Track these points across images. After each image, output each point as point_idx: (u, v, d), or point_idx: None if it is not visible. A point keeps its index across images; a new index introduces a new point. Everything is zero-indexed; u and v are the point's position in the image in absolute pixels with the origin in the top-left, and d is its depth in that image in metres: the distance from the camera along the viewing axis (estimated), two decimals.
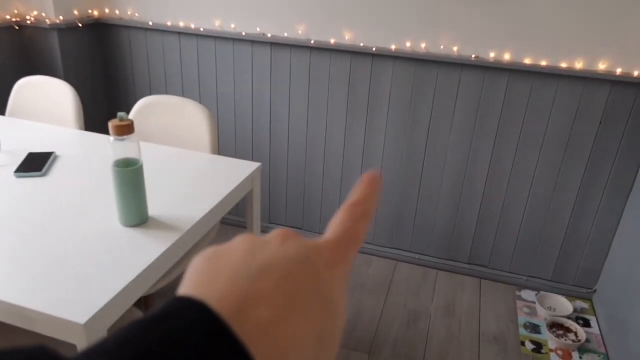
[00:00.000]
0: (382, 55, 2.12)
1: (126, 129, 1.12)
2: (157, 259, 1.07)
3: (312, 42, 2.17)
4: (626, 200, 2.05)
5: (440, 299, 2.21)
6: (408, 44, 2.08)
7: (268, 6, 2.20)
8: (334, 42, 2.16)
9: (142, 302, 1.51)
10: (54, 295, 0.93)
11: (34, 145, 1.59)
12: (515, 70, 1.99)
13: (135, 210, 1.17)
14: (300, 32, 2.20)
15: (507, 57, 1.99)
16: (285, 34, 2.22)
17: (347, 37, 2.14)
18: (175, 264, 1.51)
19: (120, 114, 1.12)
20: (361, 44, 2.13)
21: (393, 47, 2.09)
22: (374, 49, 2.10)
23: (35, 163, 1.45)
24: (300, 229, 2.58)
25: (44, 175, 1.40)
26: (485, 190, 2.22)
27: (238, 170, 1.50)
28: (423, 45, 2.06)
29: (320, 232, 2.39)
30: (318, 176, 2.45)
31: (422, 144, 2.23)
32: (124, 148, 1.15)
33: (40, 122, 1.84)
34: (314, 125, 2.35)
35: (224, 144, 2.54)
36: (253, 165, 1.53)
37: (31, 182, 1.36)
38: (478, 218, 2.28)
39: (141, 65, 2.52)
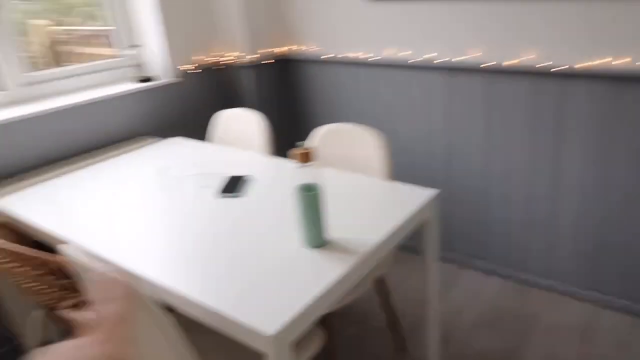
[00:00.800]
0: (572, 75, 1.94)
1: (307, 157, 1.21)
2: (338, 280, 1.12)
3: (489, 64, 2.09)
4: None
5: None
6: (609, 59, 1.85)
7: (443, 31, 2.18)
8: (513, 64, 2.05)
9: (321, 322, 1.59)
10: (246, 304, 1.04)
11: (235, 169, 1.81)
12: None
13: (316, 233, 1.26)
14: (476, 54, 2.14)
15: None
16: (461, 58, 2.18)
17: (528, 57, 2.02)
18: (351, 286, 1.57)
19: (301, 143, 1.22)
20: (545, 64, 1.98)
21: (587, 64, 1.89)
22: (561, 67, 1.93)
23: (235, 185, 1.65)
24: (484, 259, 2.45)
25: (241, 195, 1.59)
26: None
27: (414, 197, 1.50)
28: (629, 59, 1.82)
29: (504, 264, 2.19)
30: (500, 205, 2.31)
31: (628, 172, 1.95)
32: (306, 174, 1.24)
33: (237, 148, 2.10)
34: (494, 152, 2.24)
35: (400, 171, 2.57)
36: (430, 192, 1.52)
37: (231, 202, 1.55)
38: None
39: (323, 96, 2.71)
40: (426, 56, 2.27)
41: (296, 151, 1.21)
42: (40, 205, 1.61)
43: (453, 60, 2.19)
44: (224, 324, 1.03)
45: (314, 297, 1.06)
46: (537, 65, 1.98)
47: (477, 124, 2.24)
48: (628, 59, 1.82)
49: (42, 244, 1.48)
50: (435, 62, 2.23)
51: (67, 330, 1.49)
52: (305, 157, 1.21)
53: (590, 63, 1.89)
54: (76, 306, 1.43)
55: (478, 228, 2.42)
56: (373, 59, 2.42)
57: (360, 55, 2.47)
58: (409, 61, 2.30)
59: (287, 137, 2.85)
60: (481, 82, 2.16)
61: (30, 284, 1.37)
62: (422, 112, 2.38)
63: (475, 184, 2.34)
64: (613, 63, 1.85)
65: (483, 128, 2.23)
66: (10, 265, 1.33)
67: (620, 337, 1.99)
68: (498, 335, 2.03)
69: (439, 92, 2.29)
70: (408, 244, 2.68)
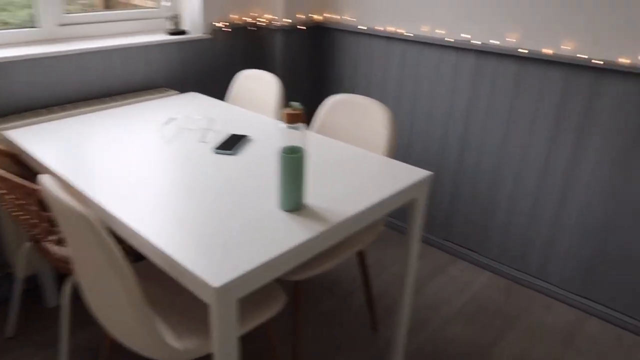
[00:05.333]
0: (609, 70, 1.80)
1: (296, 118, 1.18)
2: (299, 245, 1.10)
3: (523, 51, 1.97)
4: None
5: None
6: None
7: (479, 11, 2.07)
8: (549, 53, 1.92)
9: (293, 286, 1.58)
10: (202, 255, 1.04)
11: (238, 129, 1.81)
12: None
13: (293, 197, 1.23)
14: (510, 40, 2.02)
15: None
16: (494, 42, 2.06)
17: (566, 47, 1.89)
18: (325, 255, 1.55)
19: (294, 103, 1.19)
20: (582, 56, 1.84)
21: (625, 60, 1.76)
22: (598, 62, 1.80)
23: (232, 143, 1.65)
24: (480, 252, 2.39)
25: (235, 154, 1.58)
26: None
27: (406, 176, 1.45)
28: None
29: (499, 260, 2.14)
30: (507, 199, 2.22)
31: None
32: (293, 136, 1.21)
33: (248, 110, 2.09)
34: (511, 144, 2.13)
35: (411, 150, 2.50)
36: (422, 173, 1.47)
37: (223, 159, 1.54)
38: None
39: (349, 67, 2.65)
40: (460, 36, 2.17)
41: (286, 111, 1.18)
42: (47, 140, 1.66)
43: (487, 42, 2.09)
44: (176, 271, 1.04)
45: (270, 257, 1.04)
46: (581, 56, 1.85)
47: (500, 111, 2.13)
48: None
49: None
50: (469, 43, 2.13)
51: (51, 264, 1.55)
52: (294, 118, 1.18)
53: (628, 60, 1.75)
54: (60, 241, 1.49)
55: (480, 220, 2.33)
56: (406, 34, 2.33)
57: (394, 29, 2.39)
58: (443, 40, 2.20)
59: (307, 104, 2.82)
60: (512, 68, 2.05)
61: (18, 213, 1.42)
62: (446, 93, 2.29)
63: (486, 174, 2.25)
64: None
65: (505, 116, 2.12)
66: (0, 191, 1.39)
67: (602, 348, 1.90)
68: (474, 329, 1.97)
69: (467, 74, 2.19)
70: (400, 224, 2.62)
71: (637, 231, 1.89)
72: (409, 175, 1.46)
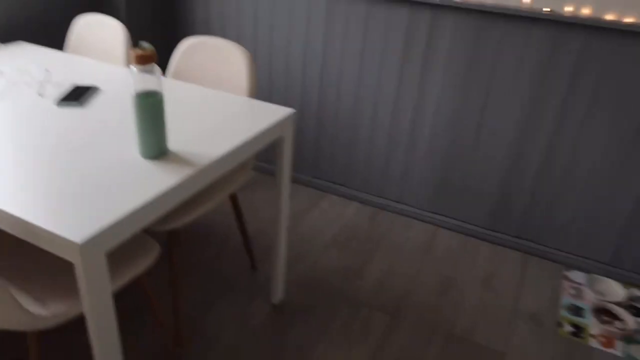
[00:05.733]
0: (443, 6, 1.97)
1: (147, 59, 1.11)
2: (165, 191, 1.07)
3: None
4: None
5: (478, 270, 2.10)
6: None
7: None
8: None
9: (167, 236, 1.55)
10: (59, 214, 0.96)
11: (82, 79, 1.65)
12: (594, 27, 1.77)
13: (153, 142, 1.18)
14: None
15: (585, 11, 1.77)
16: None
17: None
18: (196, 202, 1.54)
19: (143, 43, 1.11)
20: None
21: None
22: None
23: (77, 95, 1.50)
24: (346, 185, 2.54)
25: (82, 106, 1.45)
26: (545, 160, 2.04)
27: (269, 115, 1.47)
28: None
29: (364, 190, 2.29)
30: (366, 132, 2.37)
31: (479, 103, 2.07)
32: (146, 79, 1.14)
33: (93, 59, 1.91)
34: (366, 81, 2.25)
35: (273, 92, 2.52)
36: (285, 111, 1.50)
37: (70, 112, 1.41)
38: (533, 189, 2.12)
39: (201, 8, 2.52)
40: None
41: (135, 53, 1.10)
42: None
43: None
44: (31, 234, 0.95)
45: (135, 207, 1.00)
46: None
47: (354, 50, 2.22)
48: None
49: None
50: None
51: None
52: (145, 60, 1.11)
53: None
54: None
55: (344, 155, 2.48)
56: None
57: None
58: None
59: (159, 51, 2.66)
60: (361, 9, 2.12)
61: None
62: (301, 34, 2.31)
63: (346, 111, 2.37)
64: None
65: (359, 55, 2.22)
66: None
67: (452, 253, 2.20)
68: (346, 255, 2.14)
69: (320, 16, 2.23)
70: (269, 166, 2.69)
71: (475, 153, 2.16)
72: (272, 113, 1.48)
